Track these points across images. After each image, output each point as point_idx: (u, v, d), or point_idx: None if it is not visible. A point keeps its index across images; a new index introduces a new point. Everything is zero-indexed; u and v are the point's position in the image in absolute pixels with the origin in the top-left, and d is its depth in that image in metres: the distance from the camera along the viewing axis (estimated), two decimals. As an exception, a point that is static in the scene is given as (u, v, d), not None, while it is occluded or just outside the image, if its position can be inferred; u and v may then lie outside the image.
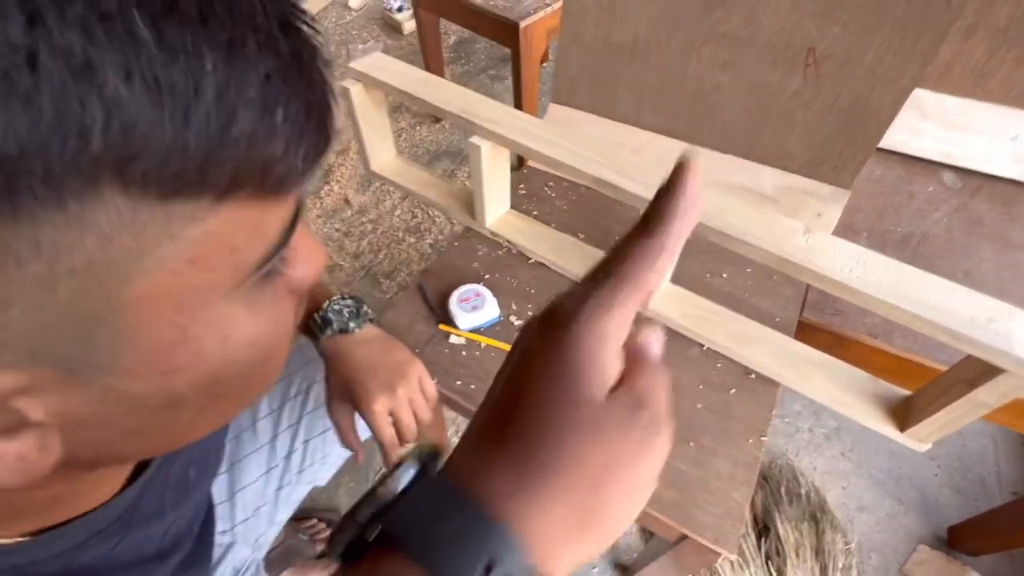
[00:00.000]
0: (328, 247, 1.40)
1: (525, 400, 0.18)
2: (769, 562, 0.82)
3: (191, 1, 0.13)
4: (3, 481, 0.16)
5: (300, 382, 0.60)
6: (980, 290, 0.64)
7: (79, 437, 0.17)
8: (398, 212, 1.47)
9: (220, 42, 0.14)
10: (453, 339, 0.60)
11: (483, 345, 0.60)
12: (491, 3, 1.26)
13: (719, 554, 0.46)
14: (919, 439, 0.50)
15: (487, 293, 0.61)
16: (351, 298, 0.55)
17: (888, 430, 0.51)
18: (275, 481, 0.59)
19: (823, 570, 0.81)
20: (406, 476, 0.19)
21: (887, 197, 0.75)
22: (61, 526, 0.24)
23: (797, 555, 0.81)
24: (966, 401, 0.43)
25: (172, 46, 0.13)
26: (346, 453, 0.64)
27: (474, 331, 0.60)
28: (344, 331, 0.52)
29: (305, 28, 0.17)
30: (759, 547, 0.83)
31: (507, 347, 0.59)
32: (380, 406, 0.48)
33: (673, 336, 0.60)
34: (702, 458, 0.51)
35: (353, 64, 0.64)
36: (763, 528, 0.86)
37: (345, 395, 0.50)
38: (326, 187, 1.55)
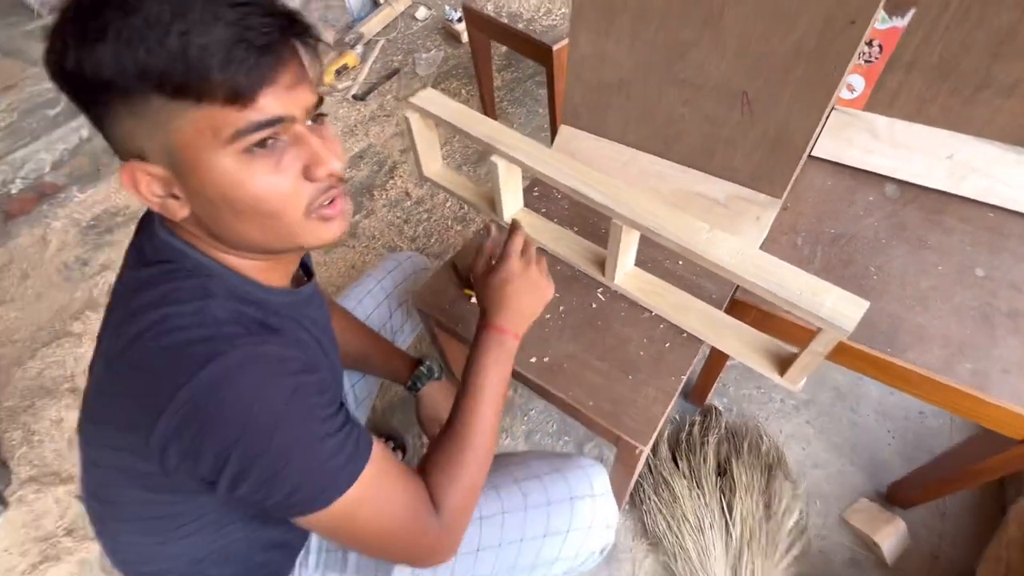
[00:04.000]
0: (390, 231, 1.70)
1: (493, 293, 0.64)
2: (723, 496, 1.02)
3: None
4: (173, 214, 0.44)
5: None
6: (886, 281, 0.81)
7: (197, 208, 0.44)
8: (448, 204, 1.73)
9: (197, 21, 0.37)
10: (473, 300, 0.85)
11: (494, 304, 0.84)
12: (530, 28, 1.48)
13: (637, 446, 0.69)
14: (790, 381, 0.69)
15: (498, 268, 0.85)
16: (434, 361, 0.88)
17: (772, 374, 0.70)
18: None
19: (767, 507, 1.00)
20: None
21: (831, 204, 0.91)
22: (293, 292, 0.55)
23: (746, 491, 1.00)
24: (808, 352, 0.63)
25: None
26: None
27: (488, 294, 0.85)
28: (437, 379, 0.87)
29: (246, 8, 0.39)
30: (716, 484, 1.03)
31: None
32: None
33: (632, 304, 0.82)
34: (636, 386, 0.73)
35: (412, 99, 0.90)
36: (723, 471, 1.06)
37: (435, 418, 0.85)
38: (391, 181, 1.84)
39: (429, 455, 0.57)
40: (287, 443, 0.44)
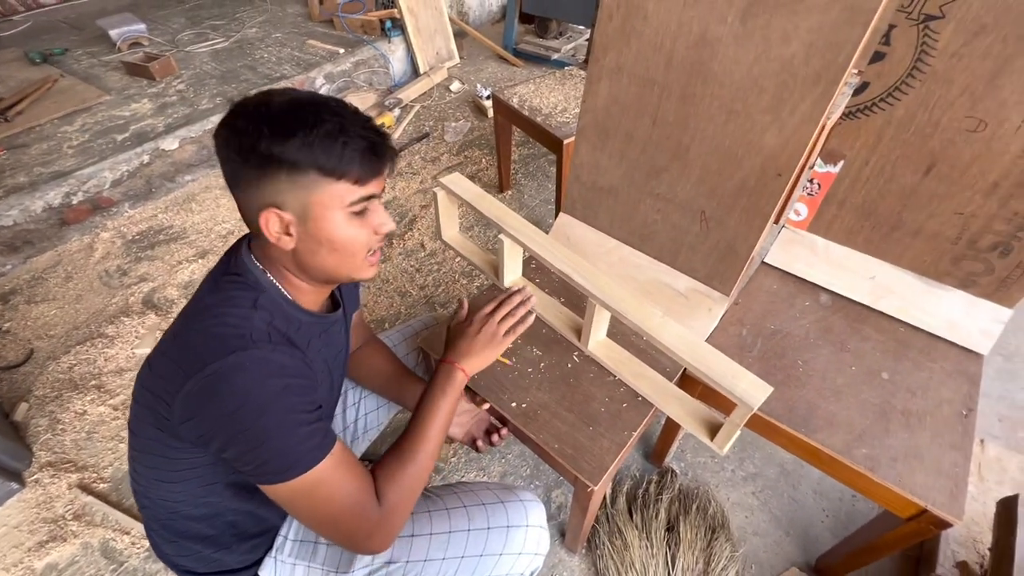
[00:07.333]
0: (403, 277, 1.89)
1: (456, 337, 0.79)
2: (668, 549, 1.14)
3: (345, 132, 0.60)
4: (284, 245, 0.63)
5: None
6: (809, 374, 0.98)
7: (299, 243, 0.63)
8: (457, 260, 1.94)
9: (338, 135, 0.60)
10: (470, 348, 1.02)
11: (487, 355, 1.01)
12: (547, 122, 1.74)
13: (588, 485, 0.83)
14: (717, 444, 0.85)
15: (494, 325, 1.03)
16: None
17: (704, 437, 0.86)
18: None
19: (707, 563, 1.12)
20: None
21: (774, 304, 1.10)
22: (320, 316, 0.72)
23: (689, 548, 1.13)
24: (729, 422, 0.79)
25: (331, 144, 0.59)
26: (384, 422, 1.07)
27: (483, 346, 1.02)
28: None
29: (374, 130, 0.62)
30: (664, 538, 1.15)
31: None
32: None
33: (601, 368, 0.99)
34: (594, 436, 0.88)
35: (442, 180, 1.11)
36: (672, 527, 1.18)
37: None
38: (409, 232, 2.05)
39: (383, 459, 0.71)
40: (267, 426, 0.59)
